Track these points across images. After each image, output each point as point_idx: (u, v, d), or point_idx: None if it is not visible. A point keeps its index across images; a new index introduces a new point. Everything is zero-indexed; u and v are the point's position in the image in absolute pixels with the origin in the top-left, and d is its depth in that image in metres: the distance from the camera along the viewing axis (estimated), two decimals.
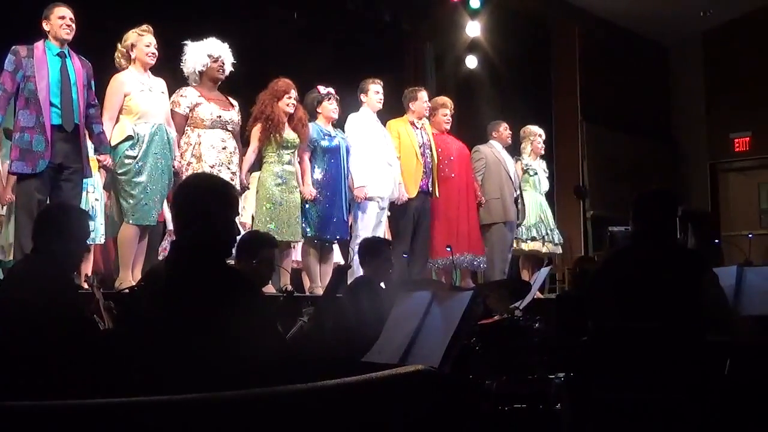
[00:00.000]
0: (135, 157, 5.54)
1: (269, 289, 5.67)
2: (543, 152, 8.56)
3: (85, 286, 4.75)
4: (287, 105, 6.28)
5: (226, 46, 6.10)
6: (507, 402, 3.96)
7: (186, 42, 6.09)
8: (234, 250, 4.54)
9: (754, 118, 11.42)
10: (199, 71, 6.04)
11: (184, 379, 2.26)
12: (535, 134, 8.48)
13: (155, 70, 5.85)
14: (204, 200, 2.77)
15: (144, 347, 2.55)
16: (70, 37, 5.31)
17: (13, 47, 5.21)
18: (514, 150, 8.32)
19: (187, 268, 2.67)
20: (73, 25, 5.31)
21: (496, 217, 7.73)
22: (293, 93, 6.35)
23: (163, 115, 5.72)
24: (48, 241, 3.61)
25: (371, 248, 5.47)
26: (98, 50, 5.86)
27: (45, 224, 3.70)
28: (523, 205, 8.06)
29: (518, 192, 7.98)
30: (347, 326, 4.68)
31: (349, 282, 6.44)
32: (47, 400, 1.52)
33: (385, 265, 5.38)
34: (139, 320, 2.77)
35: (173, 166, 5.75)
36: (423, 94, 7.39)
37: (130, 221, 5.54)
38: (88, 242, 5.99)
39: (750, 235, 7.10)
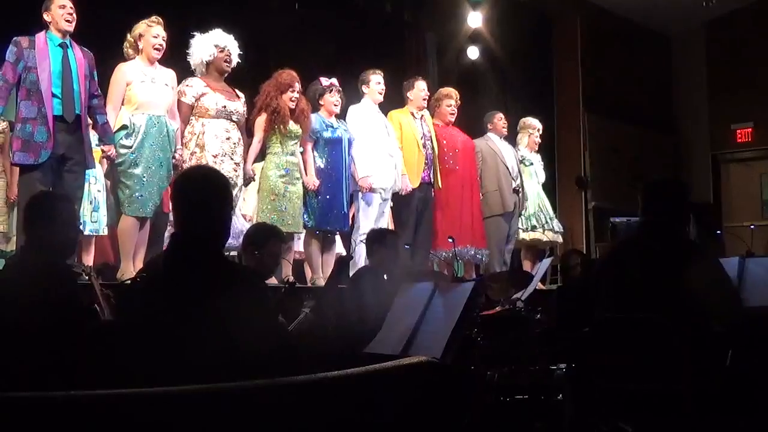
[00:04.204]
0: (130, 147, 5.53)
1: (271, 280, 5.68)
2: (538, 147, 8.53)
3: (85, 277, 4.75)
4: (290, 99, 6.27)
5: (231, 37, 6.10)
6: (509, 393, 3.97)
7: (193, 34, 6.09)
8: (241, 241, 4.55)
9: (757, 109, 11.40)
10: (206, 62, 6.04)
11: (183, 371, 2.26)
12: (534, 127, 8.45)
13: (165, 62, 5.84)
14: (203, 193, 2.76)
15: (142, 338, 2.55)
16: (71, 28, 5.29)
17: (15, 38, 5.19)
18: (511, 141, 8.30)
19: (186, 260, 2.67)
20: (74, 15, 5.30)
21: (494, 210, 7.72)
22: (297, 86, 6.34)
23: (164, 107, 5.71)
24: (37, 231, 3.61)
25: (378, 238, 5.49)
26: (102, 41, 5.85)
27: (31, 215, 3.69)
28: (524, 194, 8.04)
29: (518, 181, 7.95)
30: (349, 317, 4.69)
31: (351, 273, 6.46)
32: (46, 390, 1.52)
33: (392, 255, 5.40)
34: (136, 311, 2.77)
35: (174, 158, 5.74)
36: (420, 84, 7.36)
37: (126, 212, 5.54)
38: (90, 232, 6.04)
39: (752, 226, 7.11)
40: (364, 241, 5.92)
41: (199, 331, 2.42)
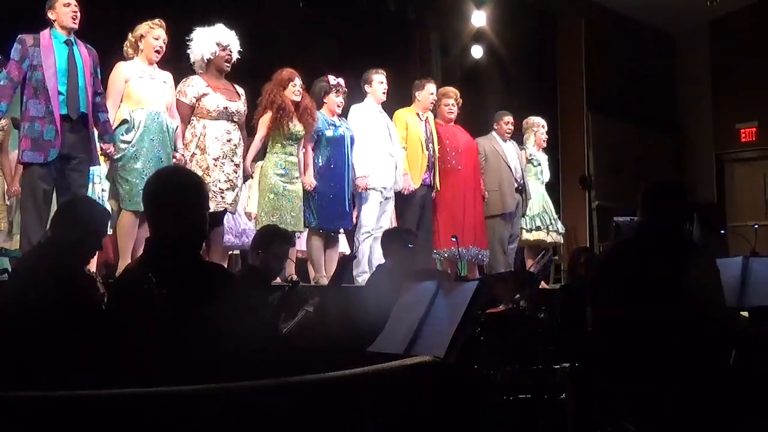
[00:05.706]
0: (130, 142, 5.53)
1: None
2: (546, 144, 8.50)
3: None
4: (293, 93, 6.26)
5: (233, 33, 6.07)
6: (512, 392, 3.97)
7: (194, 28, 6.07)
8: (243, 239, 4.55)
9: (761, 109, 11.37)
10: (207, 59, 6.01)
11: (171, 374, 2.23)
12: (538, 125, 8.42)
13: (167, 61, 5.83)
14: (176, 195, 2.70)
15: (127, 344, 2.51)
16: (76, 25, 5.30)
17: (19, 36, 5.20)
18: (517, 141, 8.27)
19: (165, 265, 2.59)
20: (78, 12, 5.30)
21: (493, 210, 7.71)
22: (298, 81, 6.32)
23: (162, 104, 5.68)
24: (64, 230, 3.65)
25: (395, 238, 5.51)
26: (104, 40, 5.85)
27: (65, 214, 3.77)
28: (527, 194, 8.03)
29: (521, 182, 7.93)
30: (353, 316, 4.69)
31: (354, 272, 6.46)
32: (55, 388, 1.52)
33: (407, 254, 5.42)
34: (120, 320, 2.72)
35: (174, 158, 5.73)
36: (431, 86, 7.34)
37: (127, 207, 5.52)
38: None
39: (756, 226, 7.06)
40: (381, 240, 5.93)
41: (187, 335, 2.40)
